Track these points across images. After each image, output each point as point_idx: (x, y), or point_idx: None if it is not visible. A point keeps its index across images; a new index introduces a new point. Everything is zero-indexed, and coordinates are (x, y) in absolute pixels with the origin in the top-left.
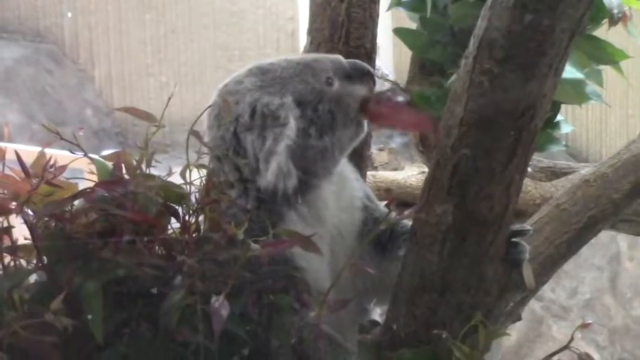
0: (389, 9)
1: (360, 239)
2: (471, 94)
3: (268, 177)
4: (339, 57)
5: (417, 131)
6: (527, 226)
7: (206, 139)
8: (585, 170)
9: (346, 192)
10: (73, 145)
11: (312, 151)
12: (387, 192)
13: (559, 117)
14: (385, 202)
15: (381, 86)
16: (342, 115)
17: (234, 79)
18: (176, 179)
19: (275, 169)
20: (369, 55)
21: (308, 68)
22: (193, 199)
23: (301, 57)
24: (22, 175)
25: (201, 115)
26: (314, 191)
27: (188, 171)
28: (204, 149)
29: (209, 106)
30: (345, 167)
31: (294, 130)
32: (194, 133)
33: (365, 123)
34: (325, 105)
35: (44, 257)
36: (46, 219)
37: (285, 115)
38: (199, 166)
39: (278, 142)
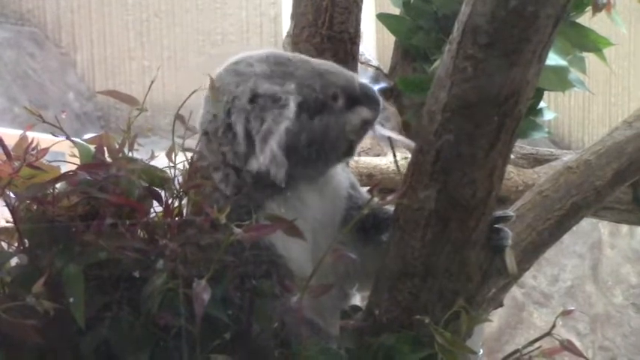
0: None
1: (344, 228)
2: (454, 80)
3: (262, 159)
4: (354, 76)
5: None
6: (509, 212)
7: (200, 111)
8: (568, 157)
9: (331, 183)
10: (55, 128)
11: (297, 155)
12: (369, 178)
13: (542, 104)
14: (368, 188)
15: (363, 72)
16: (336, 132)
17: (246, 61)
18: (158, 163)
19: (272, 150)
20: (353, 40)
21: (319, 77)
22: (176, 183)
23: (319, 63)
24: (4, 157)
25: (187, 98)
26: (295, 184)
27: (173, 154)
28: (189, 133)
29: (204, 85)
30: None
31: (293, 112)
32: (179, 117)
33: (356, 147)
34: (324, 117)
35: (25, 240)
36: (28, 202)
37: (286, 98)
38: (184, 150)
39: (278, 123)
